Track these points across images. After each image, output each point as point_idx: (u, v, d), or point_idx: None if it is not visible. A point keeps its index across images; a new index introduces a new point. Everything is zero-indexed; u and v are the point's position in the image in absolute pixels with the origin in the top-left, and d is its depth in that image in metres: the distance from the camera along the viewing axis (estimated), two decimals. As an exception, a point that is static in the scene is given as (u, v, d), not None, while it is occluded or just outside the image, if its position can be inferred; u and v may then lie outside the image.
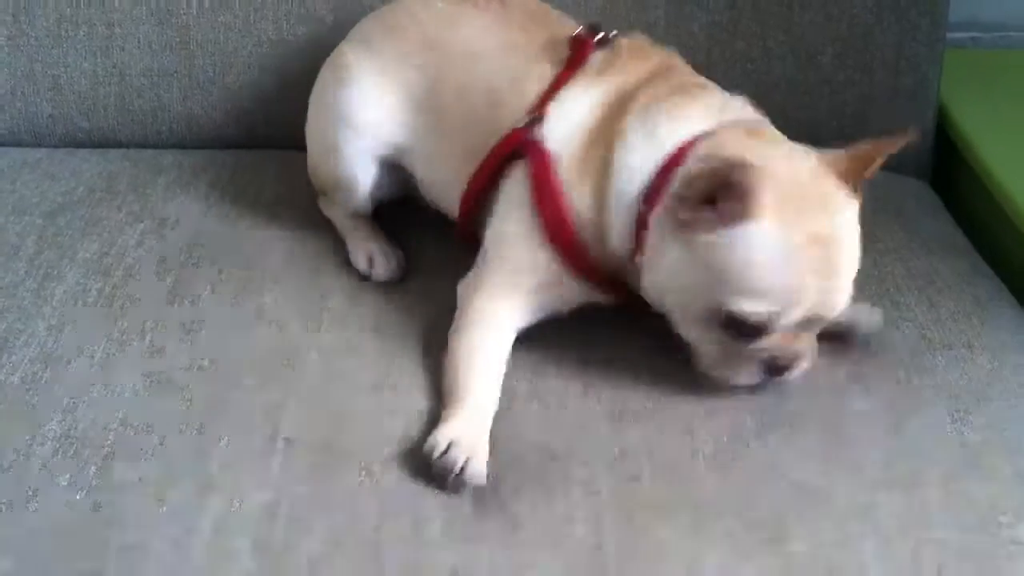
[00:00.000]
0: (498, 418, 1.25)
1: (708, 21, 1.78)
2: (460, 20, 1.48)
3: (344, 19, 1.71)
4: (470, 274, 1.37)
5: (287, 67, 1.76)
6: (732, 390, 1.27)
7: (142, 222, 1.56)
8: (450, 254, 1.46)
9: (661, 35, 1.73)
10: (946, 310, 1.43)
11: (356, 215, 1.55)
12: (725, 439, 1.23)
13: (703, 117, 1.29)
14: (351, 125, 1.50)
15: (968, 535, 1.14)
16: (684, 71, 1.41)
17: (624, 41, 1.42)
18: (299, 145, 1.59)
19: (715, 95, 1.35)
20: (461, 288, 1.36)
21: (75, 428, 1.22)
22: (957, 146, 1.81)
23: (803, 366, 1.26)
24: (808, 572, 1.11)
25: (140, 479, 1.16)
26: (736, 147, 1.22)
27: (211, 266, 1.47)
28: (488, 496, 1.16)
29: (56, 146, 1.78)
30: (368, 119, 1.49)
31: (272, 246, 1.52)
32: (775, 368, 1.25)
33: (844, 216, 1.22)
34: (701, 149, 1.24)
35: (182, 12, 1.75)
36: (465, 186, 1.41)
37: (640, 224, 1.26)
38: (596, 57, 1.39)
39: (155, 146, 1.78)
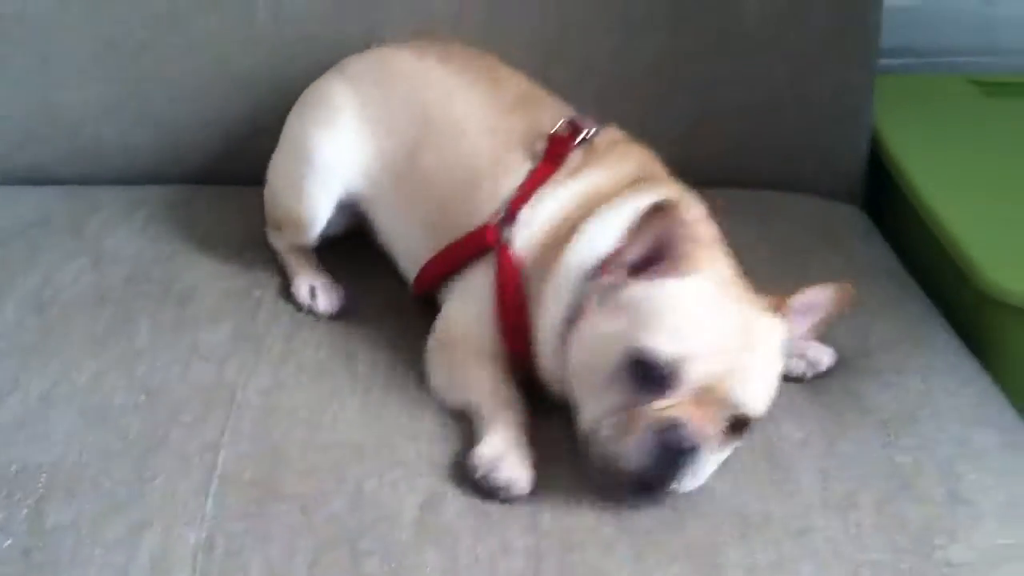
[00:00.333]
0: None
1: (652, 51, 1.80)
2: (453, 92, 1.49)
3: (285, 55, 1.72)
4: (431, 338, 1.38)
5: (226, 103, 1.76)
6: (625, 491, 1.19)
7: (79, 258, 1.55)
8: (391, 292, 1.47)
9: (609, 65, 1.77)
10: (876, 335, 1.45)
11: (302, 248, 1.55)
12: (663, 468, 1.24)
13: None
14: (321, 166, 1.49)
15: (902, 557, 1.15)
16: (659, 177, 1.41)
17: (602, 140, 1.43)
18: (237, 180, 1.60)
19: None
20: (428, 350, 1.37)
21: (7, 469, 1.20)
22: (890, 171, 1.83)
23: (701, 450, 1.15)
24: (746, 597, 1.12)
25: (73, 521, 1.15)
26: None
27: (148, 302, 1.47)
28: (428, 527, 1.16)
29: (-8, 182, 1.76)
30: (341, 162, 1.49)
31: (209, 282, 1.51)
32: (673, 440, 1.14)
33: (762, 335, 1.21)
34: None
35: (120, 48, 1.74)
36: (426, 254, 1.42)
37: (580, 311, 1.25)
38: (573, 156, 1.40)
39: (93, 182, 1.77)
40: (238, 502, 1.18)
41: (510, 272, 1.33)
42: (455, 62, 1.53)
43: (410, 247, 1.47)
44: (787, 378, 1.32)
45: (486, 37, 1.73)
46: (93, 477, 1.20)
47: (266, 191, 1.57)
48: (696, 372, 1.15)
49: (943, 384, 1.38)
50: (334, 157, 1.49)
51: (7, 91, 1.74)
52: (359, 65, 1.57)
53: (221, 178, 1.71)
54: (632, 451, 1.15)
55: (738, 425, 1.18)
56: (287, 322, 1.46)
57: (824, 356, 1.39)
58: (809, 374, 1.38)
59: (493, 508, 1.18)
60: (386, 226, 1.51)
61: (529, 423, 1.27)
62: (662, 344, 1.15)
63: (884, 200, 1.87)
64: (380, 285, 1.51)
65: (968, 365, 1.44)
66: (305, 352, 1.40)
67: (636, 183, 1.36)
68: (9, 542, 1.13)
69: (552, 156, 1.40)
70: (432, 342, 1.37)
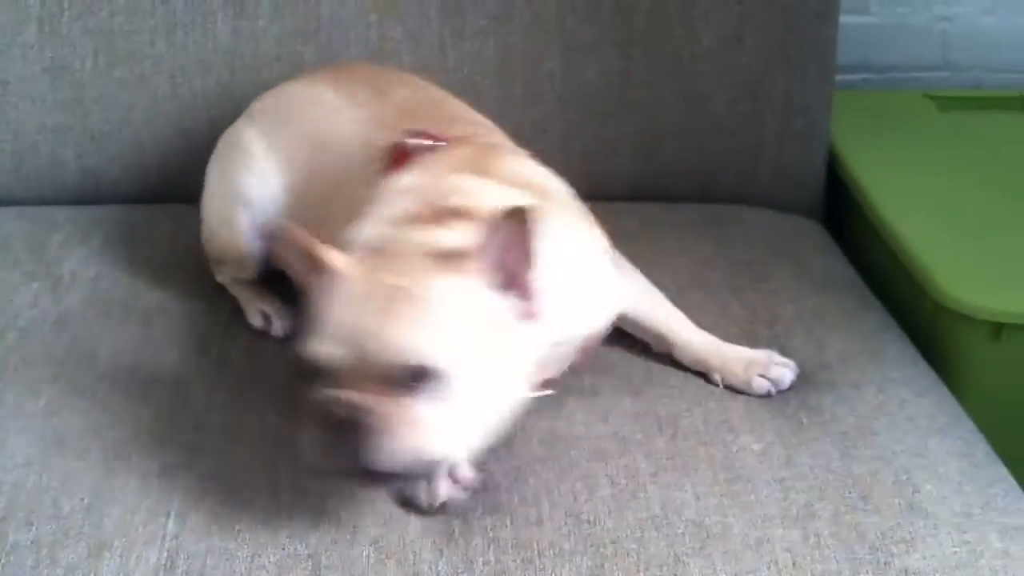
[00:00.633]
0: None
1: (602, 71, 1.81)
2: (338, 112, 1.50)
3: (241, 74, 1.73)
4: None
5: (183, 121, 1.77)
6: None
7: (36, 281, 1.55)
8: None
9: (557, 85, 1.79)
10: (834, 348, 1.46)
11: (247, 280, 1.56)
12: (623, 481, 1.25)
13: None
14: (246, 202, 1.52)
15: (861, 567, 1.16)
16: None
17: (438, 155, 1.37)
18: (195, 199, 1.59)
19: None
20: None
21: (-35, 492, 1.20)
22: (848, 186, 1.85)
23: (386, 429, 1.09)
24: (706, 608, 1.12)
25: (32, 542, 1.15)
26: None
27: (107, 325, 1.47)
28: (391, 545, 1.16)
29: (-51, 205, 1.76)
30: (260, 198, 1.51)
31: (169, 304, 1.51)
32: (348, 426, 1.09)
33: (424, 280, 1.14)
34: None
35: (76, 68, 1.74)
36: None
37: None
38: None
39: (50, 203, 1.77)
40: (199, 522, 1.17)
41: None
42: (347, 84, 1.55)
43: None
44: (752, 396, 1.36)
45: (441, 58, 1.76)
46: (52, 501, 1.19)
47: (203, 231, 1.58)
48: (329, 350, 1.12)
49: (900, 395, 1.38)
50: (254, 194, 1.52)
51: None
52: (260, 104, 1.61)
53: (180, 196, 1.71)
54: (331, 457, 1.12)
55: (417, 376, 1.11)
56: (247, 345, 1.46)
57: (787, 373, 1.40)
58: (774, 391, 1.39)
59: (455, 524, 1.19)
60: None
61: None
62: (314, 345, 1.13)
63: (843, 214, 1.89)
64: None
65: (925, 376, 1.45)
66: (266, 374, 1.40)
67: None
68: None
69: (392, 167, 1.37)
70: None
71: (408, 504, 1.20)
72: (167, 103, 1.76)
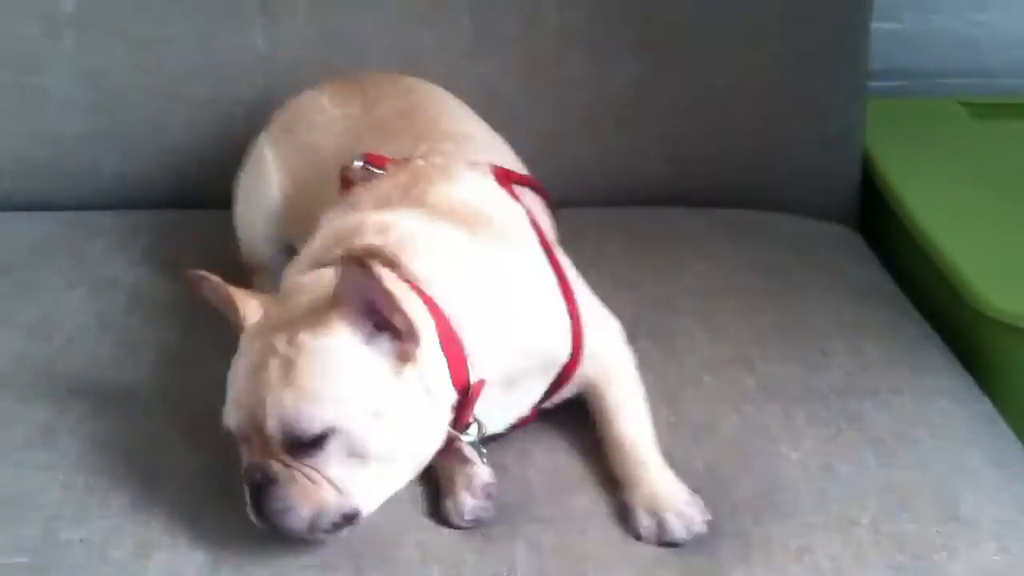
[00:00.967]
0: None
1: (631, 75, 1.82)
2: (329, 126, 1.52)
3: (275, 81, 1.74)
4: None
5: (219, 128, 1.78)
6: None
7: (80, 286, 1.57)
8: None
9: (581, 90, 1.79)
10: (872, 356, 1.46)
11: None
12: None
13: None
14: (263, 211, 1.55)
15: (904, 575, 1.16)
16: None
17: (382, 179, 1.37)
18: (231, 204, 1.61)
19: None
20: None
21: (17, 491, 1.21)
22: (883, 193, 1.85)
23: (286, 493, 1.12)
24: (748, 617, 1.13)
25: (82, 540, 1.16)
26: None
27: (151, 330, 1.48)
28: (431, 547, 1.17)
29: (-10, 210, 1.77)
30: (274, 206, 1.54)
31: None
32: (253, 487, 1.13)
33: (294, 338, 1.14)
34: None
35: (113, 76, 1.76)
36: None
37: None
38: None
39: (90, 208, 1.78)
40: (243, 521, 1.18)
41: None
42: (345, 94, 1.56)
43: None
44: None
45: (470, 64, 1.78)
46: (100, 499, 1.21)
47: (240, 246, 1.61)
48: (232, 422, 1.16)
49: (939, 404, 1.38)
50: (268, 203, 1.55)
51: (6, 120, 1.77)
52: (278, 113, 1.62)
53: (216, 201, 1.72)
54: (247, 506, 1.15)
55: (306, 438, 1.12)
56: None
57: (679, 529, 1.19)
58: (654, 541, 1.20)
59: (496, 529, 1.19)
60: None
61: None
62: (224, 412, 1.17)
63: (879, 222, 1.89)
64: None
65: (964, 385, 1.45)
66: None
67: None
68: (22, 558, 1.14)
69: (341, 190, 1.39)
70: None
71: (443, 523, 1.21)
72: (202, 110, 1.78)
